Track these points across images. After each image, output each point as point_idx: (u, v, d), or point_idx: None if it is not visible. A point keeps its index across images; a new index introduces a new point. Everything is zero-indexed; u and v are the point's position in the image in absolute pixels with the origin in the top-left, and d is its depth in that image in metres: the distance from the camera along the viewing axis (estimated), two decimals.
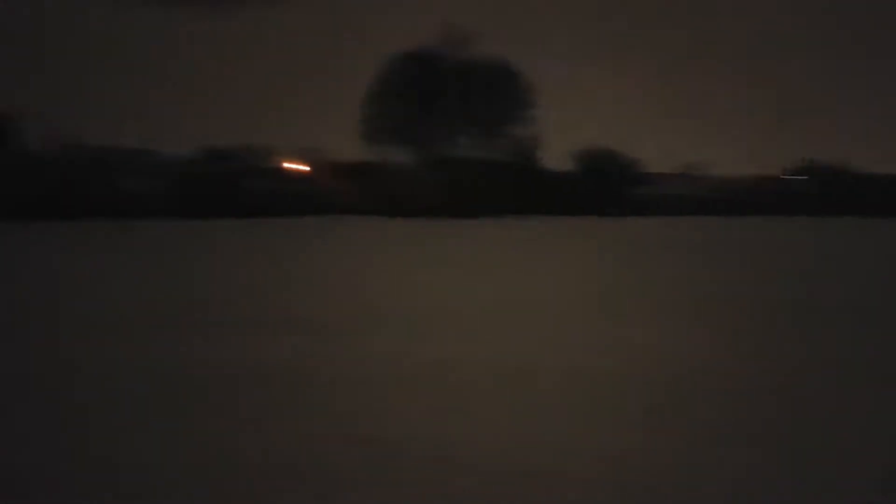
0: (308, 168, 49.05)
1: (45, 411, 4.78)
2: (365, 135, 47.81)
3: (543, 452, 3.84)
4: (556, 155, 54.81)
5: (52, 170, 37.71)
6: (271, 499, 3.14)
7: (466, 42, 48.38)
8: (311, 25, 66.30)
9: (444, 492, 3.20)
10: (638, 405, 5.04)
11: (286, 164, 49.53)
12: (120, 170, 40.90)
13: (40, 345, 7.25)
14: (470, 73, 48.58)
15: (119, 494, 3.18)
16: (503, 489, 3.23)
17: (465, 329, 8.37)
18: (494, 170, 47.44)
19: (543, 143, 52.62)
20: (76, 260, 16.28)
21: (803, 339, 7.91)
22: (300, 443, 3.95)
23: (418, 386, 5.56)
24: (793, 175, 66.71)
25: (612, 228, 31.10)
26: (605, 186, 53.67)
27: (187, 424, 4.39)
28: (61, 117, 42.73)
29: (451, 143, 49.34)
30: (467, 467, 3.54)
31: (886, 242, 24.76)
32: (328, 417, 4.63)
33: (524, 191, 47.84)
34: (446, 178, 44.73)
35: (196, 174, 42.99)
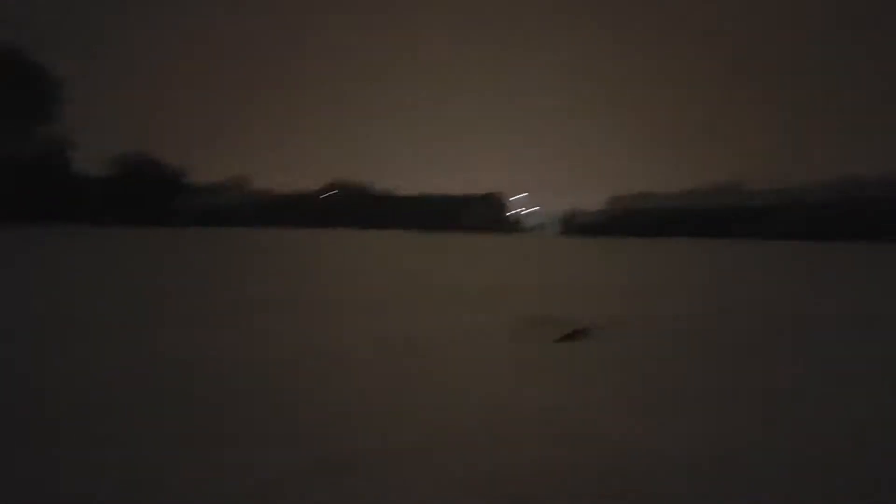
0: None
1: None
2: None
3: None
4: (91, 158, 49.84)
5: None
6: None
7: None
8: None
9: None
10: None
11: None
12: None
13: None
14: None
15: None
16: None
17: None
18: (9, 170, 40.52)
19: (75, 144, 47.11)
20: None
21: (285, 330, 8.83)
22: None
23: None
24: (327, 192, 74.40)
25: (139, 238, 29.60)
26: (144, 194, 50.89)
27: None
28: None
29: None
30: None
31: (381, 245, 29.45)
32: None
33: (48, 195, 42.14)
34: None
35: None
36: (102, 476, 3.85)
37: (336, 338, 8.43)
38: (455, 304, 11.98)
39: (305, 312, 10.44)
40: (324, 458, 4.22)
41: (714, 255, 31.40)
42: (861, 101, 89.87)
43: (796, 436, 4.88)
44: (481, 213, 64.31)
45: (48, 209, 41.94)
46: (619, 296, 13.50)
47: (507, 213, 70.40)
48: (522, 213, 74.97)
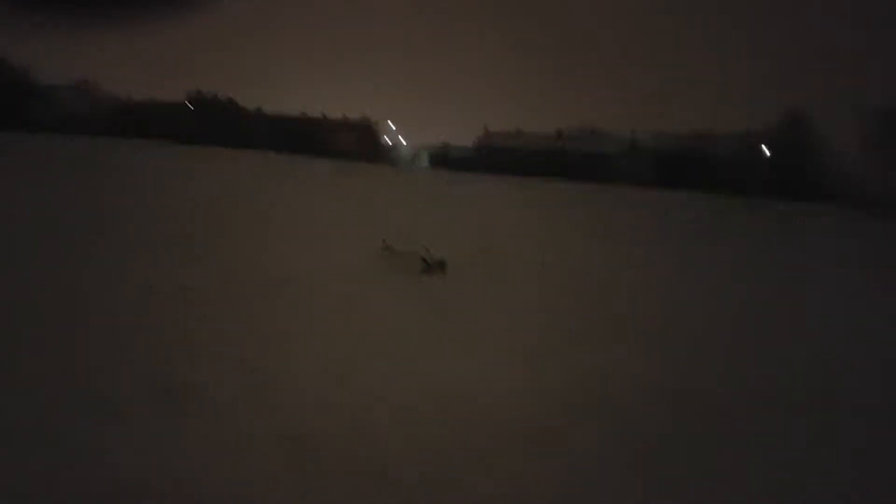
0: None
1: None
2: None
3: None
4: None
5: None
6: None
7: None
8: None
9: None
10: None
11: None
12: None
13: None
14: None
15: None
16: None
17: None
18: None
19: None
20: None
21: None
22: None
23: None
24: (187, 103, 69.67)
25: None
26: None
27: None
28: None
29: None
30: None
31: (242, 168, 28.50)
32: None
33: None
34: None
35: None
36: None
37: (179, 272, 8.27)
38: (317, 234, 12.11)
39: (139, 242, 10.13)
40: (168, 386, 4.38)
41: (571, 197, 33.23)
42: (714, 58, 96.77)
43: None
44: (351, 141, 63.19)
45: None
46: (480, 233, 14.19)
47: (378, 144, 69.68)
48: (393, 144, 74.55)
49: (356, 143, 63.14)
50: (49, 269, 7.35)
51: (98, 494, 3.02)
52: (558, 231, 16.70)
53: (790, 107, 56.61)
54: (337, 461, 3.54)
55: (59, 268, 7.48)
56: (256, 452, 3.56)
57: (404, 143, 74.64)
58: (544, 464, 3.75)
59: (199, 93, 70.82)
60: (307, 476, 3.36)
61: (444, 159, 65.91)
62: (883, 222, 30.54)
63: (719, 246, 16.89)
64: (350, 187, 26.90)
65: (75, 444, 3.46)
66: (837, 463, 4.09)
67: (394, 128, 73.34)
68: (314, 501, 3.15)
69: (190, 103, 69.66)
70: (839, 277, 12.86)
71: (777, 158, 54.24)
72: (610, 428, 4.35)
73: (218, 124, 63.29)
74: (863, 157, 50.98)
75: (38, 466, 3.20)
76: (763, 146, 55.62)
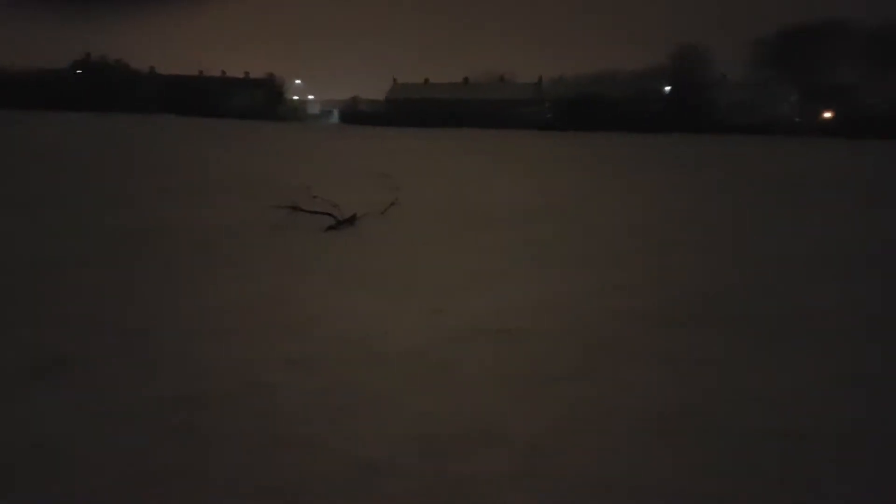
0: None
1: None
2: None
3: None
4: None
5: None
6: None
7: None
8: None
9: None
10: None
11: None
12: None
13: None
14: None
15: None
16: None
17: None
18: None
19: None
20: None
21: None
22: None
23: None
24: (76, 70, 64.86)
25: None
26: None
27: None
28: None
29: None
30: None
31: (143, 131, 26.98)
32: None
33: None
34: None
35: None
36: None
37: (74, 233, 7.84)
38: (222, 194, 11.59)
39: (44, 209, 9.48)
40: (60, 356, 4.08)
41: (481, 143, 33.25)
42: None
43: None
44: (255, 100, 60.61)
45: None
46: (390, 185, 13.90)
47: (285, 101, 67.31)
48: (300, 100, 72.28)
49: (260, 101, 60.66)
50: None
51: None
52: (467, 177, 16.58)
53: (684, 43, 58.38)
54: (231, 421, 3.31)
55: None
56: (143, 419, 3.31)
57: (312, 99, 72.52)
58: (448, 397, 3.70)
59: (87, 56, 66.11)
60: (199, 439, 3.13)
61: (354, 114, 64.35)
62: (773, 145, 32.29)
63: (629, 176, 17.30)
64: (253, 146, 25.85)
65: None
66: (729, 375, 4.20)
67: (301, 84, 71.06)
68: (208, 463, 2.92)
69: (77, 68, 64.84)
70: (740, 197, 13.43)
71: (674, 94, 55.91)
72: (509, 353, 4.42)
73: (108, 89, 59.17)
74: (753, 87, 53.49)
75: None
76: (661, 83, 57.23)
